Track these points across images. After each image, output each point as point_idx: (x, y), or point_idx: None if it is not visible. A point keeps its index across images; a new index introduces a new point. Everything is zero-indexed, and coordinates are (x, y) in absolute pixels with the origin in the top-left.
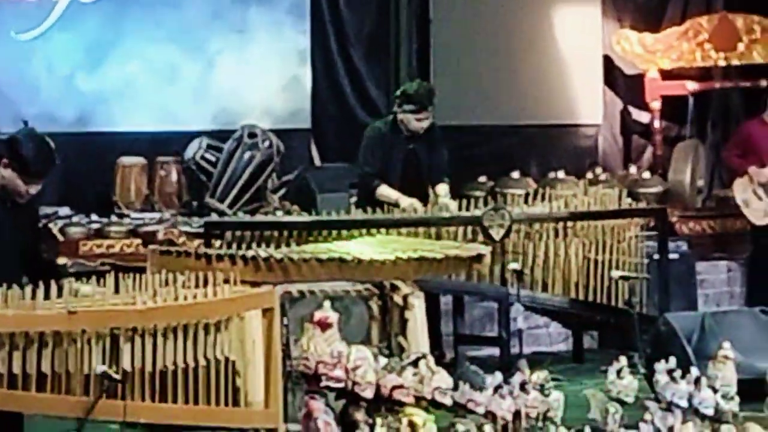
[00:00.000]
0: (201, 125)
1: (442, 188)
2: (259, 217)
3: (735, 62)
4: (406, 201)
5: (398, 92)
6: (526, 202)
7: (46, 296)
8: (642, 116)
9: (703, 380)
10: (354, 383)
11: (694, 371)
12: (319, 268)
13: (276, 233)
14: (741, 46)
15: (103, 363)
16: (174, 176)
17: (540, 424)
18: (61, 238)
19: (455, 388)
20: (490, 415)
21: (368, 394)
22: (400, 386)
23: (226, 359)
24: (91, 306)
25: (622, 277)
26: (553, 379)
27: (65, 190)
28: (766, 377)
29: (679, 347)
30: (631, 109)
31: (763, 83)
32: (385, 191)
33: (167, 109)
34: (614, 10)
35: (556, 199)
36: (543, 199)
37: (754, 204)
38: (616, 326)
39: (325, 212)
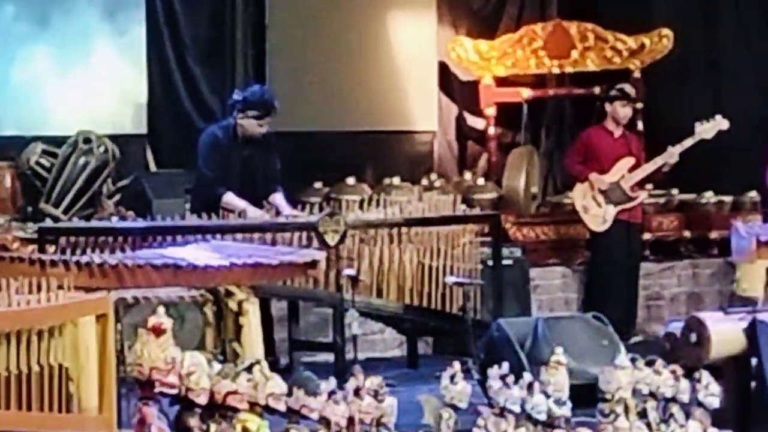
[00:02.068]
0: (36, 130)
1: (278, 197)
2: (94, 223)
3: (569, 69)
4: (253, 212)
5: (240, 97)
6: (361, 207)
7: None
8: (477, 123)
9: (536, 385)
10: (188, 389)
11: (527, 376)
12: (153, 274)
13: (111, 239)
14: (575, 54)
15: None
16: (8, 181)
17: (374, 429)
18: None
19: (289, 393)
20: (324, 421)
21: (202, 400)
22: (234, 392)
23: (60, 365)
24: None
25: (457, 283)
26: (388, 385)
27: None
28: (597, 383)
29: (512, 353)
30: (466, 115)
31: (596, 90)
32: (231, 200)
33: (1, 114)
34: (450, 16)
35: (391, 205)
36: (378, 205)
37: (593, 210)
38: (451, 332)
39: (160, 218)
